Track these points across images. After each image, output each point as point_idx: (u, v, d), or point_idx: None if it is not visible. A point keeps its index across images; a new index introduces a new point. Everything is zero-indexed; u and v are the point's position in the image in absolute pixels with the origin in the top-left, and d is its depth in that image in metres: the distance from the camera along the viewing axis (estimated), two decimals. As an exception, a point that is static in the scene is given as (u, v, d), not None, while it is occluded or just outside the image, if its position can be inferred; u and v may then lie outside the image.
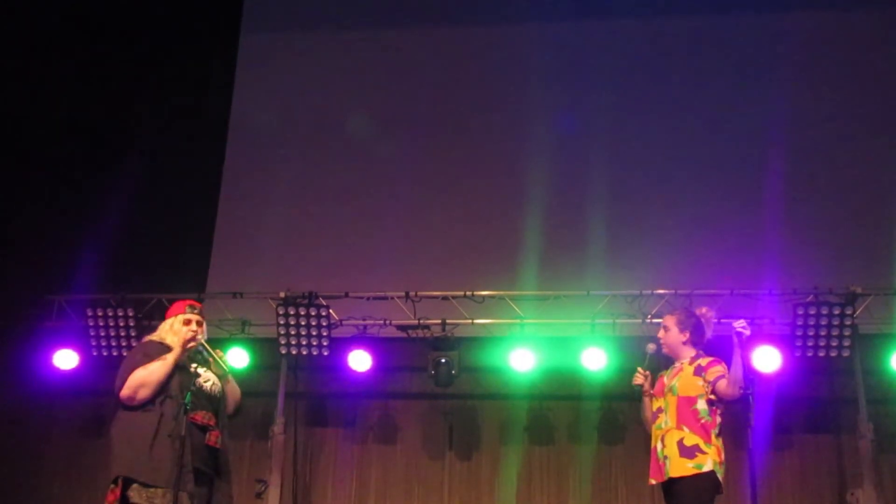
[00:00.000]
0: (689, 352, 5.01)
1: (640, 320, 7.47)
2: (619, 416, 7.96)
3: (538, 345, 7.60)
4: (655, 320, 7.36)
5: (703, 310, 5.15)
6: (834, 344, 7.10)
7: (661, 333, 5.10)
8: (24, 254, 8.59)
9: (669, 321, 5.09)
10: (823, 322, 7.06)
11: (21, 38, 8.80)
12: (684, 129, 8.38)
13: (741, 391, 4.77)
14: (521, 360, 7.54)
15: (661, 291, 7.50)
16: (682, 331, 5.03)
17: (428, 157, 8.67)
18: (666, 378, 5.00)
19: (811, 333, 7.09)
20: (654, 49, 8.70)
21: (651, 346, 5.09)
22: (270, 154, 8.88)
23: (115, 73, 9.19)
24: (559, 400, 8.06)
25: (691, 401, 4.81)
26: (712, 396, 4.82)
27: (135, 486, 4.33)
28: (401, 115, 8.84)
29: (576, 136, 8.46)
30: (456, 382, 7.76)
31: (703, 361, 4.93)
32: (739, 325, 4.83)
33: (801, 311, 7.08)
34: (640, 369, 5.02)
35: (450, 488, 7.98)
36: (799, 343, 7.12)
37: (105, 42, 9.24)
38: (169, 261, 8.41)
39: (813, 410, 7.74)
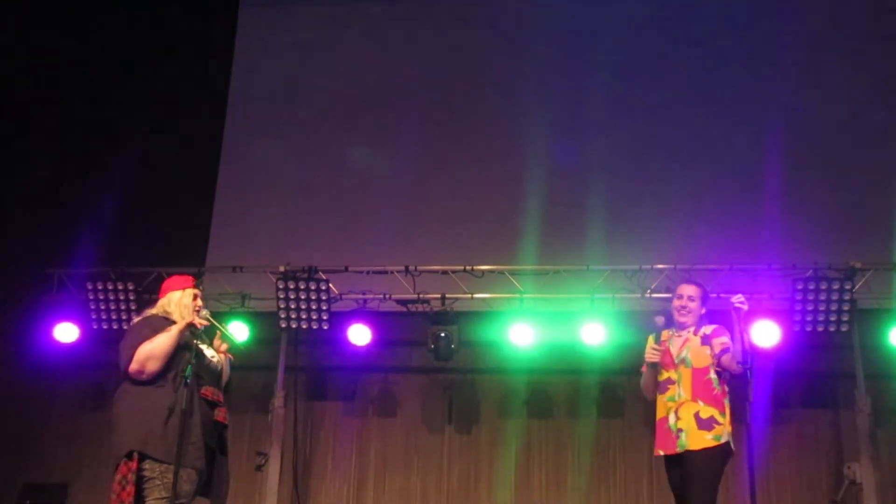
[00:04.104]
0: (693, 323, 5.04)
1: (639, 295, 7.48)
2: (618, 390, 7.99)
3: (537, 319, 7.60)
4: (655, 295, 7.39)
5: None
6: (833, 319, 7.11)
7: (683, 301, 5.03)
8: (24, 228, 8.59)
9: (695, 292, 5.07)
10: (822, 297, 7.07)
11: (19, 10, 8.75)
12: (684, 104, 8.35)
13: (740, 367, 4.78)
14: (520, 334, 7.56)
15: (660, 266, 7.50)
16: (702, 305, 5.07)
17: (428, 131, 8.64)
18: (673, 348, 4.98)
19: (810, 308, 7.10)
20: (655, 25, 8.65)
21: (660, 319, 5.06)
22: (270, 127, 8.86)
23: (113, 48, 9.15)
24: (558, 374, 8.09)
25: (705, 371, 4.85)
26: (718, 368, 4.84)
27: (149, 461, 4.33)
28: (401, 88, 8.80)
29: (575, 112, 8.43)
30: (455, 357, 7.78)
31: (708, 329, 4.96)
32: (737, 300, 4.85)
33: (800, 286, 7.09)
34: (654, 344, 4.98)
35: (449, 461, 8.03)
36: (798, 318, 7.13)
37: (102, 17, 9.18)
38: (169, 234, 8.42)
39: (811, 385, 7.77)
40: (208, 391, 4.61)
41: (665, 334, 5.07)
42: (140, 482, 4.32)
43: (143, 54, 9.11)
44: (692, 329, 5.00)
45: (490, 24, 8.91)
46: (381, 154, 8.62)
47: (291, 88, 8.91)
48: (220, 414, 4.66)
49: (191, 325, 4.65)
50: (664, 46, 8.54)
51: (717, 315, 5.18)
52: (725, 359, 4.81)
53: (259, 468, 7.62)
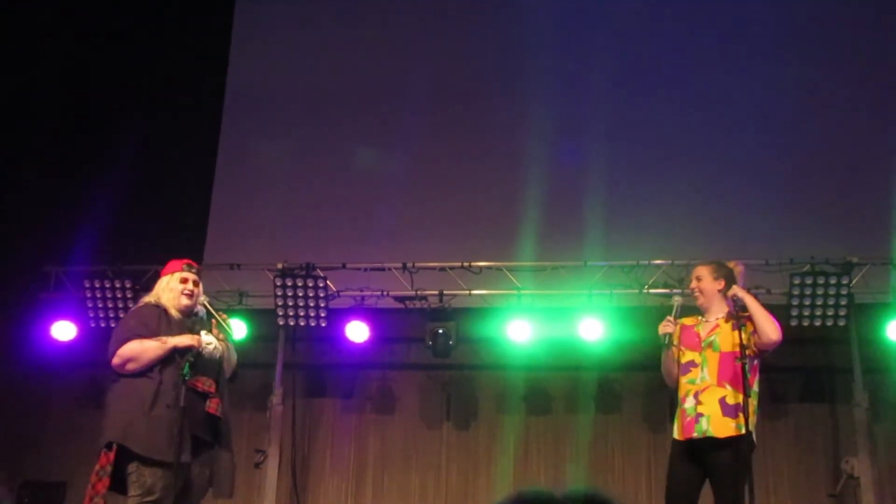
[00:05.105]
0: (724, 306, 4.89)
1: (637, 291, 7.50)
2: (616, 386, 8.00)
3: (535, 315, 7.60)
4: (653, 291, 7.41)
5: (733, 263, 5.07)
6: (830, 313, 7.13)
7: (693, 284, 4.98)
8: (22, 225, 8.57)
9: (702, 271, 4.98)
10: (820, 291, 7.08)
11: (16, 9, 8.74)
12: (682, 100, 8.34)
13: (779, 330, 4.69)
14: (518, 330, 7.56)
15: (658, 262, 7.51)
16: (716, 279, 4.93)
17: (425, 128, 8.62)
18: (701, 331, 4.89)
19: (807, 303, 7.11)
20: (652, 20, 8.64)
21: (678, 298, 5.03)
22: (267, 124, 8.84)
23: (109, 45, 9.13)
24: (556, 370, 8.09)
25: (734, 355, 4.69)
26: (755, 349, 4.72)
27: (134, 463, 4.27)
28: (398, 84, 8.79)
29: (573, 109, 8.42)
30: (453, 353, 7.78)
31: (744, 315, 4.77)
32: (732, 294, 4.81)
33: (797, 281, 7.10)
34: (669, 317, 4.89)
35: (447, 458, 8.04)
36: (795, 312, 7.14)
37: (98, 15, 9.16)
38: (166, 232, 8.40)
39: (809, 379, 7.78)
40: (199, 382, 4.48)
41: (691, 320, 4.98)
42: (122, 476, 4.28)
43: (139, 51, 9.09)
44: (723, 316, 4.86)
45: (489, 20, 8.89)
46: (379, 151, 8.61)
47: (288, 86, 8.89)
48: (212, 405, 4.52)
49: (189, 349, 4.50)
50: (663, 43, 8.53)
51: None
52: (756, 339, 4.70)
53: (258, 465, 7.62)
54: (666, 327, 4.87)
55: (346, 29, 8.97)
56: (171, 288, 4.69)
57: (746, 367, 4.61)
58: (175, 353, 4.46)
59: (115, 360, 4.42)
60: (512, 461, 7.95)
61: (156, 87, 8.97)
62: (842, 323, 7.17)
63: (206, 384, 4.53)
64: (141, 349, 4.41)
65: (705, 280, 4.95)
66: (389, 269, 7.82)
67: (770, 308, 6.73)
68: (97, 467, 4.29)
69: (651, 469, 7.67)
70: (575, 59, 8.58)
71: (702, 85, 8.35)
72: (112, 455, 4.26)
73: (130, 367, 4.40)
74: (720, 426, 4.62)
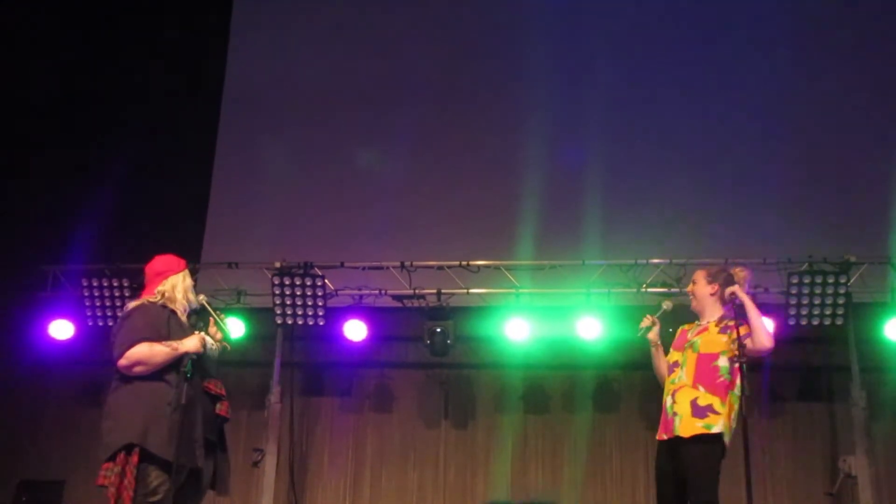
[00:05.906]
0: (717, 310, 4.91)
1: (634, 290, 7.50)
2: (614, 384, 8.00)
3: (533, 314, 7.60)
4: (651, 290, 7.41)
5: (737, 269, 5.06)
6: (828, 312, 7.13)
7: (689, 288, 5.06)
8: (19, 224, 8.56)
9: (698, 275, 5.03)
10: (818, 290, 7.09)
11: (15, 7, 8.73)
12: (681, 100, 8.35)
13: (772, 339, 4.70)
14: (516, 329, 7.56)
15: (656, 261, 7.51)
16: (710, 283, 4.95)
17: (424, 127, 8.62)
18: (689, 333, 4.92)
19: (805, 302, 7.12)
20: (652, 20, 8.64)
21: (668, 303, 5.11)
22: (265, 123, 8.84)
23: (109, 45, 9.13)
24: (554, 369, 8.10)
25: (712, 357, 4.73)
26: (737, 352, 4.68)
27: (144, 463, 4.23)
28: (396, 84, 8.78)
29: (571, 108, 8.42)
30: (451, 352, 7.79)
31: (731, 322, 4.79)
32: (730, 292, 4.81)
33: (795, 280, 7.10)
34: (649, 315, 4.98)
35: (445, 456, 8.04)
36: (793, 311, 7.14)
37: (97, 13, 9.16)
38: (164, 230, 8.37)
39: (807, 378, 7.79)
40: (211, 384, 4.52)
41: (689, 325, 5.02)
42: (136, 476, 4.23)
43: (138, 50, 9.08)
44: (714, 320, 4.89)
45: (487, 20, 8.89)
46: (377, 150, 8.61)
47: (287, 84, 8.89)
48: (222, 408, 4.56)
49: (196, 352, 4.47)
50: (662, 43, 8.53)
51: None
52: (749, 342, 4.67)
53: (256, 464, 7.62)
54: (644, 322, 4.97)
55: (344, 29, 8.97)
56: (187, 287, 4.66)
57: (744, 368, 4.62)
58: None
59: (123, 362, 4.36)
60: (510, 459, 7.96)
61: (154, 85, 8.96)
62: (840, 322, 7.17)
63: (217, 387, 4.57)
64: (151, 353, 4.37)
65: (699, 284, 5.02)
66: (387, 267, 7.82)
67: (768, 307, 6.80)
68: (116, 468, 4.23)
69: (649, 467, 7.65)
70: (574, 59, 8.57)
71: (700, 84, 8.36)
72: (135, 458, 4.22)
73: (138, 370, 4.36)
74: (688, 426, 4.66)
